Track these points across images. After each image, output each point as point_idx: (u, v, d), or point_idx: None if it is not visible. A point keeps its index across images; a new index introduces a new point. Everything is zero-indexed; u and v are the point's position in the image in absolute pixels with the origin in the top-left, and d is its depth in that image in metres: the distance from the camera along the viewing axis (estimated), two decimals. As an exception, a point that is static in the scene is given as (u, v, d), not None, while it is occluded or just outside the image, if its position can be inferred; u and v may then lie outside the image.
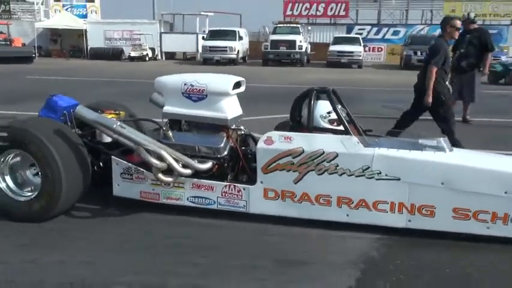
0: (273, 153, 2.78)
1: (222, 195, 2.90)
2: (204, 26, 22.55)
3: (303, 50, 18.95)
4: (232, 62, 18.91)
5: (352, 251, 2.48)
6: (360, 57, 18.85)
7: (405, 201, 2.68)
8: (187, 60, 22.42)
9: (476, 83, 6.48)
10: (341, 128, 2.84)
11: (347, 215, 2.76)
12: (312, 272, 2.31)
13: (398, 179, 2.65)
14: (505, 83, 11.95)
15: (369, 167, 2.67)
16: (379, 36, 23.69)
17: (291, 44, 18.54)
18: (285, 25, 21.14)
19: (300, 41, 18.80)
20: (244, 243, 2.58)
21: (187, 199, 2.96)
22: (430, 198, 2.66)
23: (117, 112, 3.28)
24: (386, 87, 11.38)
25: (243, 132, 3.13)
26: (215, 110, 2.94)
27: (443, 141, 2.83)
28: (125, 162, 2.97)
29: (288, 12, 24.69)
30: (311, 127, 2.88)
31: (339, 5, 24.18)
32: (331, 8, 24.28)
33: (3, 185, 2.89)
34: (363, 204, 2.72)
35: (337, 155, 2.68)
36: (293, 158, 2.74)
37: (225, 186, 2.90)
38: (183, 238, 2.59)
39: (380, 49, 22.77)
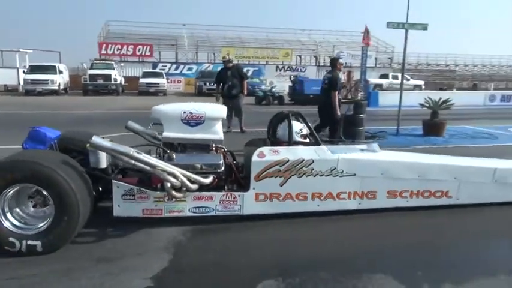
0: (264, 164, 3.44)
1: (220, 203, 3.40)
2: (24, 62, 23.27)
3: (118, 82, 22.01)
4: (54, 92, 20.44)
5: (165, 239, 3.14)
6: (164, 87, 23.05)
7: (358, 190, 3.68)
8: (10, 91, 22.67)
9: (241, 104, 8.60)
10: (310, 140, 3.78)
11: (318, 205, 3.62)
12: (130, 262, 2.75)
13: (354, 175, 3.64)
14: (266, 104, 17.39)
15: (335, 168, 3.58)
16: (178, 71, 29.48)
17: (107, 77, 21.49)
18: (100, 62, 23.88)
19: (115, 75, 21.87)
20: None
21: (189, 210, 3.36)
22: (373, 185, 3.72)
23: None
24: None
25: (225, 149, 3.74)
26: (211, 132, 3.48)
27: (375, 146, 3.99)
28: (127, 184, 3.22)
29: (103, 51, 28.05)
30: (292, 141, 3.66)
31: (145, 47, 29.24)
32: (139, 49, 29.12)
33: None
34: (330, 196, 3.63)
35: (313, 161, 3.52)
36: (280, 166, 3.46)
37: (223, 195, 3.40)
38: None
39: (179, 81, 27.66)
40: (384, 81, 27.51)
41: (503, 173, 4.05)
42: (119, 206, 3.23)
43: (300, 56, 34.09)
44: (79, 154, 3.24)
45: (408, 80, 27.64)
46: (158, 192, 3.27)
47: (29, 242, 2.81)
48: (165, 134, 3.48)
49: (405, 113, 9.61)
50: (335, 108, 6.39)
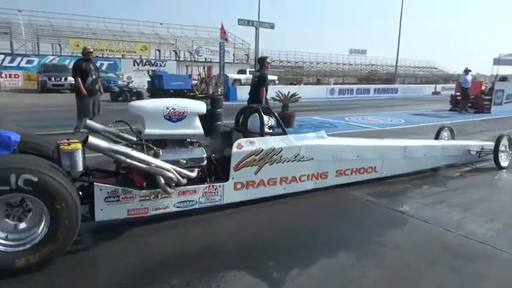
0: (242, 154, 3.72)
1: (203, 195, 3.53)
2: None
3: None
4: None
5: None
6: (-1, 83, 19.71)
7: (314, 172, 4.23)
8: None
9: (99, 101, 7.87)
10: (274, 130, 4.19)
11: (284, 189, 4.06)
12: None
13: (312, 159, 4.18)
14: (123, 100, 15.36)
15: (298, 154, 4.07)
16: (14, 64, 25.11)
17: None
18: None
19: None
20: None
21: (174, 205, 3.39)
22: (326, 167, 4.32)
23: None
24: (22, 108, 12.51)
25: (200, 143, 3.74)
26: (193, 127, 3.48)
27: (323, 133, 4.50)
28: (110, 186, 3.07)
29: None
30: (264, 133, 4.02)
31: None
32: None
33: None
34: (294, 179, 4.10)
35: (281, 149, 3.94)
36: (255, 156, 3.78)
37: (206, 187, 3.54)
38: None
39: (17, 76, 23.89)
40: (242, 76, 28.78)
41: (410, 149, 5.11)
42: (101, 209, 3.04)
43: (159, 50, 33.05)
44: (46, 158, 2.82)
45: (264, 75, 29.52)
46: (144, 191, 3.21)
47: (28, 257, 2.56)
48: (148, 130, 3.33)
49: (260, 106, 10.17)
50: (263, 102, 7.01)
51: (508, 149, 6.05)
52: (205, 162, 3.52)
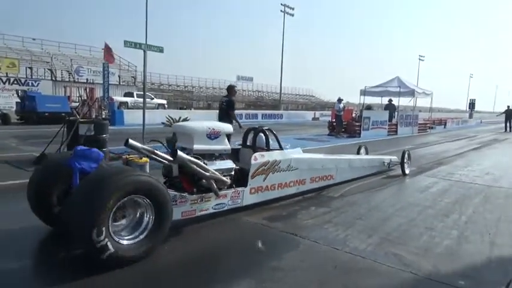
0: (257, 165, 4.76)
1: (230, 198, 4.40)
2: None
3: None
4: None
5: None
6: None
7: (298, 179, 5.45)
8: None
9: None
10: (277, 146, 5.26)
11: (279, 193, 5.15)
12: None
13: (297, 169, 5.37)
14: None
15: (289, 165, 5.23)
16: None
17: None
18: None
19: None
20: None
21: (212, 207, 4.18)
22: (305, 175, 5.56)
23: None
24: None
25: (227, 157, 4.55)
26: (224, 144, 4.43)
27: (299, 150, 5.69)
28: (173, 191, 3.74)
29: None
30: (269, 148, 5.14)
31: None
32: None
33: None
34: (285, 185, 5.24)
35: (280, 161, 5.07)
36: (264, 166, 4.86)
37: (233, 192, 4.43)
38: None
39: None
40: (129, 100, 27.49)
41: (352, 161, 6.82)
42: None
43: (30, 68, 29.66)
44: None
45: (152, 99, 28.73)
46: (194, 196, 3.97)
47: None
48: (196, 146, 4.15)
49: (150, 131, 9.82)
50: (233, 122, 7.87)
51: (408, 161, 8.11)
52: (233, 171, 4.43)
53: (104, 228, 2.82)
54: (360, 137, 16.80)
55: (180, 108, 29.46)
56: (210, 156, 4.30)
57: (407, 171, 7.98)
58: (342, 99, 17.55)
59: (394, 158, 8.18)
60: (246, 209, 4.69)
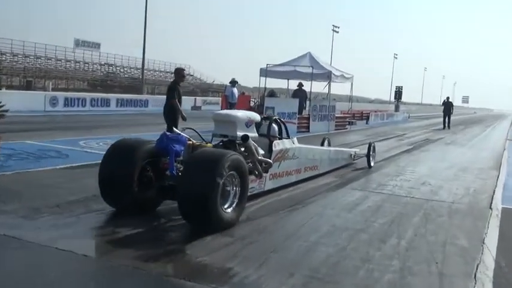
0: (276, 152, 7.69)
1: (257, 183, 7.13)
2: None
3: None
4: None
5: None
6: None
7: (297, 168, 8.67)
8: None
9: None
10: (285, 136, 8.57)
11: (286, 179, 8.20)
12: None
13: (298, 158, 8.58)
14: None
15: (294, 154, 8.37)
16: None
17: None
18: None
19: None
20: None
21: (251, 189, 6.70)
22: (302, 164, 8.87)
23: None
24: None
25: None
26: (254, 132, 7.26)
27: (296, 139, 8.77)
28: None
29: None
30: (282, 137, 8.40)
31: None
32: None
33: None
34: (290, 173, 8.35)
35: (289, 149, 8.18)
36: (279, 154, 7.80)
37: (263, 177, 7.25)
38: None
39: None
40: None
41: (332, 153, 10.73)
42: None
43: None
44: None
45: None
46: (253, 176, 6.83)
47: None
48: (239, 133, 6.79)
49: None
50: (181, 112, 11.08)
51: (372, 153, 11.72)
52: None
53: (222, 200, 5.56)
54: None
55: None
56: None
57: (372, 164, 11.52)
58: (237, 82, 18.00)
59: (358, 150, 12.27)
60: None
